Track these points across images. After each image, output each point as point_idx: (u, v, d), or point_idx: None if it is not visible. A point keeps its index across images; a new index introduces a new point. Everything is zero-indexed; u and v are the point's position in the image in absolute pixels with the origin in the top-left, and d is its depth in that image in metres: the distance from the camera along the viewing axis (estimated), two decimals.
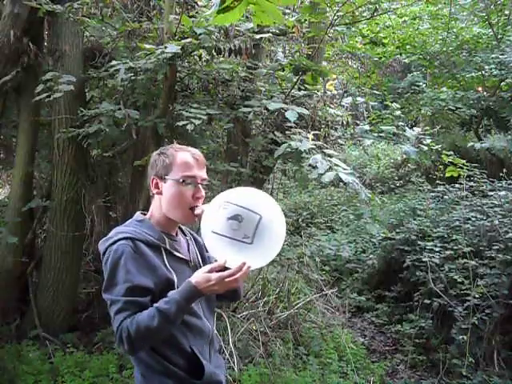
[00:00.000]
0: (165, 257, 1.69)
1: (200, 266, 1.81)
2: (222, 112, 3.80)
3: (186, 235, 1.88)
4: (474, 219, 5.08)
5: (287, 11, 5.12)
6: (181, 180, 1.70)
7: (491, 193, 5.44)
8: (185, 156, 1.73)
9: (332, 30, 4.45)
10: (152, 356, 1.64)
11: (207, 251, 1.77)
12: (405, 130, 4.02)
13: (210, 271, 1.60)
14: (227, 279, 1.59)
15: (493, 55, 7.72)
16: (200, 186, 1.74)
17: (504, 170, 5.90)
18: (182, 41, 3.37)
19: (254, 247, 1.64)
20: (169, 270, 1.66)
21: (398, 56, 9.48)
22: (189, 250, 1.82)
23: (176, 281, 1.65)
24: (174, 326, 1.61)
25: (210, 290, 1.61)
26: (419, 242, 5.19)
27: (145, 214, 1.81)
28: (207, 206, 1.73)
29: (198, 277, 1.60)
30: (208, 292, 1.61)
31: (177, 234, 1.81)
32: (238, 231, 1.64)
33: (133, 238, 1.63)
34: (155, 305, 1.57)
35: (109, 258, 1.62)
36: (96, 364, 3.70)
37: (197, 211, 1.73)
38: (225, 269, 1.60)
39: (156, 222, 1.75)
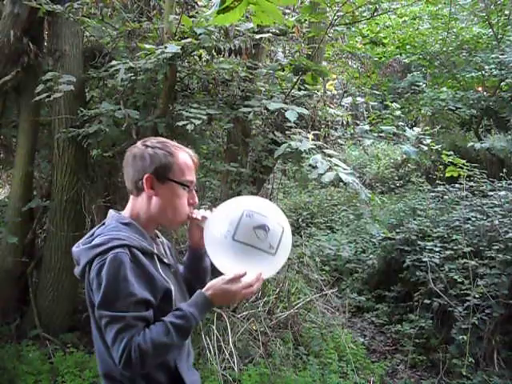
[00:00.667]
0: (158, 264, 1.56)
1: (176, 271, 1.70)
2: (222, 112, 3.80)
3: (158, 237, 1.72)
4: (474, 219, 5.08)
5: (287, 11, 5.12)
6: (183, 184, 1.58)
7: (491, 193, 5.44)
8: (186, 158, 1.61)
9: (332, 30, 4.45)
10: (129, 376, 1.48)
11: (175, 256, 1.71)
12: (405, 130, 4.02)
13: (228, 282, 1.51)
14: (245, 290, 1.53)
15: (493, 55, 7.72)
16: (194, 191, 1.65)
17: (504, 170, 5.91)
18: (182, 41, 3.38)
19: (274, 258, 1.61)
20: (165, 279, 1.53)
21: (398, 56, 9.48)
22: (166, 253, 1.70)
23: (173, 290, 1.55)
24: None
25: (227, 302, 1.54)
26: (419, 242, 5.19)
27: (119, 213, 1.64)
28: (211, 213, 1.67)
29: (215, 289, 1.51)
30: (222, 304, 1.54)
31: (154, 237, 1.69)
32: (264, 241, 1.59)
33: (129, 246, 1.46)
34: (167, 319, 1.45)
35: (103, 269, 1.42)
36: (96, 364, 3.69)
37: (196, 216, 1.65)
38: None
39: (141, 224, 1.59)
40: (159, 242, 1.70)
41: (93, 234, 1.58)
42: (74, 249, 1.57)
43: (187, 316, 1.46)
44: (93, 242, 1.50)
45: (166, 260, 1.62)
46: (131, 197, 1.63)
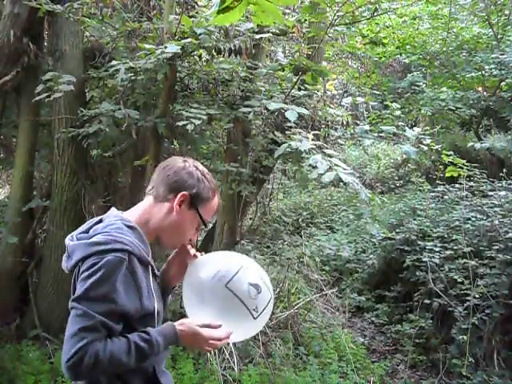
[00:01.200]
0: (151, 276, 1.53)
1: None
2: (222, 112, 3.80)
3: None
4: (473, 219, 5.09)
5: (287, 11, 5.12)
6: (203, 221, 1.60)
7: (491, 193, 5.44)
8: (217, 203, 1.65)
9: (332, 30, 4.45)
10: (107, 379, 1.44)
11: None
12: (405, 130, 4.01)
13: (202, 326, 1.50)
14: (212, 341, 1.51)
15: (493, 55, 7.70)
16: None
17: (504, 170, 5.91)
18: (182, 41, 3.38)
19: (253, 323, 1.58)
20: (152, 295, 1.50)
21: (398, 56, 9.47)
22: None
23: (156, 307, 1.51)
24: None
25: (193, 344, 1.53)
26: (419, 242, 5.19)
27: (122, 213, 1.59)
28: (200, 255, 1.66)
29: (187, 327, 1.50)
30: (188, 345, 1.54)
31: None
32: (252, 301, 1.55)
33: (130, 252, 1.43)
34: (132, 339, 1.41)
35: (97, 266, 1.37)
36: None
37: (191, 250, 1.64)
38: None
39: (145, 231, 1.54)
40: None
41: (89, 229, 1.53)
42: (69, 241, 1.50)
43: (152, 342, 1.43)
44: (93, 239, 1.43)
45: (156, 271, 1.59)
46: (149, 201, 1.58)
